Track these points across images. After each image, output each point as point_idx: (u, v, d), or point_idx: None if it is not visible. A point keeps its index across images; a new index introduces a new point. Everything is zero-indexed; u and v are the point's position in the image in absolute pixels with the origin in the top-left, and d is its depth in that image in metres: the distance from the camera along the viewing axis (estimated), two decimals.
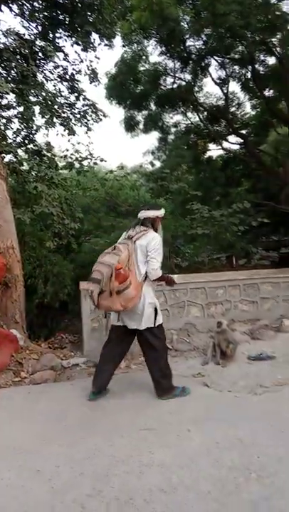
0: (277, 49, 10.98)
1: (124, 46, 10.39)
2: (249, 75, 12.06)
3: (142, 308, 3.44)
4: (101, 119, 6.97)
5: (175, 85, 12.18)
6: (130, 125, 12.81)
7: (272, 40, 10.72)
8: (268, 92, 12.46)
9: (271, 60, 11.73)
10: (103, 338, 4.99)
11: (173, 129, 13.98)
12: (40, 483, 2.39)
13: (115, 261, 3.28)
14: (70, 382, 4.17)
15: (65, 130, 6.62)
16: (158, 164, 14.20)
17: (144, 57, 11.04)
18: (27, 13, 6.56)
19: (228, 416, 3.17)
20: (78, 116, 6.82)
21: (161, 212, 3.65)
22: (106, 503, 2.18)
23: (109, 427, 3.08)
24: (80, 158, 7.12)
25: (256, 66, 11.69)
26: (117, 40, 9.86)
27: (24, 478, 2.45)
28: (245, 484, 2.30)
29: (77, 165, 7.17)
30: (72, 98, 6.90)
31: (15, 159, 6.22)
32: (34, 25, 6.71)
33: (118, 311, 3.43)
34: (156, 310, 3.52)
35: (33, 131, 6.69)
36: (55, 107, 6.37)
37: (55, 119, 6.42)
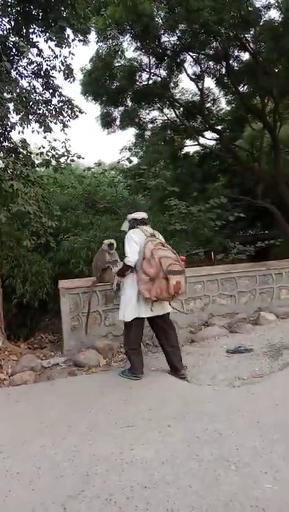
0: (251, 45, 11.11)
1: (98, 42, 10.30)
2: (224, 70, 12.16)
3: None
4: (77, 116, 6.87)
5: (151, 81, 12.18)
6: (107, 121, 12.75)
7: (246, 35, 10.84)
8: (243, 88, 12.59)
9: (245, 56, 11.86)
10: (83, 337, 5.01)
11: (150, 125, 13.98)
12: (21, 485, 2.39)
13: (176, 255, 3.87)
14: (50, 382, 4.15)
15: (40, 127, 6.50)
16: (135, 161, 14.19)
17: (119, 52, 10.97)
18: None
19: (208, 409, 3.22)
20: (54, 112, 6.70)
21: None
22: (87, 503, 2.20)
23: (89, 426, 3.08)
24: (56, 156, 7.00)
25: (230, 62, 11.80)
26: (92, 36, 9.76)
27: (4, 480, 2.43)
28: (224, 476, 2.35)
29: (54, 162, 7.06)
30: (48, 95, 6.77)
31: None
32: (6, 20, 6.56)
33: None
34: None
35: (8, 129, 6.56)
36: (30, 103, 6.25)
37: (30, 116, 6.30)
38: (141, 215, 4.19)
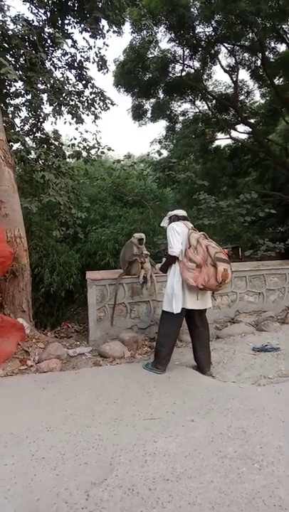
0: (288, 36, 10.79)
1: (133, 33, 10.26)
2: (259, 62, 11.88)
3: None
4: (109, 108, 6.92)
5: (184, 73, 12.04)
6: (138, 113, 12.71)
7: (283, 26, 10.53)
8: (278, 81, 12.27)
9: (282, 48, 11.54)
10: (108, 328, 5.06)
11: (181, 118, 13.85)
12: (45, 470, 2.44)
13: (218, 246, 3.86)
14: (75, 371, 4.21)
15: (72, 118, 6.58)
16: (165, 153, 14.11)
17: (153, 43, 10.89)
18: None
19: (232, 406, 3.19)
20: (86, 104, 6.77)
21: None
22: (109, 491, 2.22)
23: (113, 416, 3.11)
24: (87, 147, 7.07)
25: (266, 53, 11.50)
26: (126, 27, 9.75)
27: (28, 465, 2.49)
28: (247, 474, 2.33)
29: (84, 154, 7.13)
30: (80, 86, 6.85)
31: (22, 148, 6.22)
32: (43, 11, 6.64)
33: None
34: None
35: (41, 120, 6.66)
36: (63, 94, 6.33)
37: (62, 107, 6.38)
38: (182, 212, 4.23)
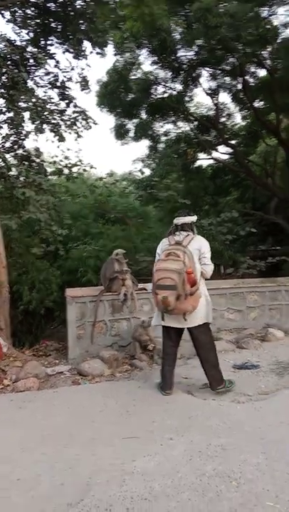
0: (268, 61, 11.17)
1: (116, 55, 10.47)
2: (240, 86, 12.22)
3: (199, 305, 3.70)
4: (91, 127, 7.00)
5: (166, 95, 12.28)
6: (120, 133, 12.86)
7: (263, 52, 10.90)
8: (258, 104, 12.63)
9: (261, 73, 11.92)
10: (88, 346, 5.00)
11: (163, 138, 14.06)
12: (20, 492, 2.36)
13: (181, 266, 3.50)
14: (53, 390, 4.13)
15: (54, 136, 6.63)
16: (147, 172, 14.27)
17: (135, 66, 11.13)
18: (19, 19, 6.60)
19: (212, 424, 3.17)
20: (68, 123, 6.83)
21: (195, 218, 4.00)
22: None
23: (92, 436, 3.06)
24: (69, 165, 7.11)
25: (247, 78, 11.86)
26: (109, 49, 9.95)
27: (3, 487, 2.41)
28: (225, 491, 2.30)
29: (66, 171, 7.17)
30: (63, 105, 6.92)
31: (3, 164, 6.21)
32: (26, 31, 6.74)
33: (188, 312, 3.62)
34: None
35: (22, 137, 6.69)
36: (45, 113, 6.38)
37: (44, 125, 6.43)
38: (180, 220, 3.89)
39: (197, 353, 3.90)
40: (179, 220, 3.89)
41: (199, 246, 3.76)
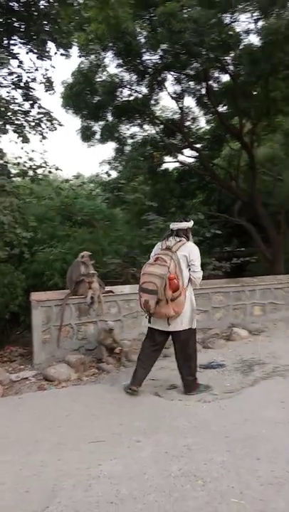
0: (231, 67, 11.41)
1: (80, 56, 10.39)
2: (204, 90, 12.41)
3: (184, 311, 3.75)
4: (56, 128, 6.90)
5: (132, 98, 12.30)
6: (87, 135, 12.76)
7: (226, 58, 11.13)
8: (222, 108, 12.87)
9: (225, 78, 12.15)
10: (54, 351, 4.93)
11: (130, 140, 14.07)
12: None
13: (165, 271, 3.59)
14: (18, 396, 4.04)
15: (18, 137, 6.50)
16: (114, 174, 14.25)
17: (101, 68, 11.09)
18: None
19: (178, 425, 3.20)
20: (32, 124, 6.72)
21: (191, 224, 4.07)
22: None
23: (58, 441, 3.02)
24: (34, 167, 6.99)
25: (210, 82, 12.06)
26: (74, 50, 9.87)
27: None
28: (191, 491, 2.33)
29: (31, 173, 7.04)
30: (27, 106, 6.79)
31: None
32: None
33: (171, 316, 3.67)
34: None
35: None
36: (9, 113, 6.25)
37: (8, 126, 6.29)
38: (176, 225, 3.95)
39: (176, 357, 3.95)
40: (175, 226, 3.95)
41: (188, 252, 3.80)
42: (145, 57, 11.19)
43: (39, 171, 7.08)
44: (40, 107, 6.79)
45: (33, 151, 6.99)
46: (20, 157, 7.04)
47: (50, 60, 6.78)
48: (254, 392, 3.83)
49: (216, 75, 12.13)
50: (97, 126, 12.79)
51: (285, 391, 3.78)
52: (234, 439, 2.90)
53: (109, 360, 4.84)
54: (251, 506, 2.17)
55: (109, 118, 12.63)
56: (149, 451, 2.82)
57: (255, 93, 11.55)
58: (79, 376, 4.50)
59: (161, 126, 13.62)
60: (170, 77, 12.35)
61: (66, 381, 4.37)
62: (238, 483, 2.38)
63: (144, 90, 12.41)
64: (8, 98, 6.44)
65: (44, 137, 6.83)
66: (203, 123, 14.37)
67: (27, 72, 6.82)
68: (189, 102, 28.19)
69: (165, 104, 16.03)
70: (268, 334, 5.84)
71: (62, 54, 7.05)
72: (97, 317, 5.24)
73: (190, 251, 3.82)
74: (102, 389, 4.13)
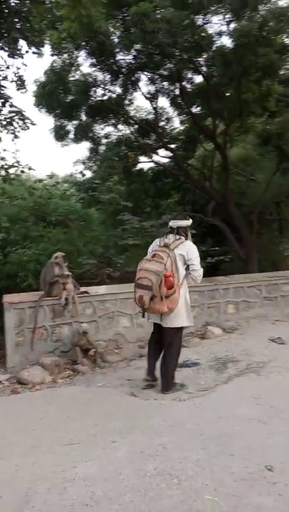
0: (204, 68, 11.53)
1: (53, 55, 10.27)
2: (177, 91, 12.49)
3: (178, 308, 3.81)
4: (28, 127, 6.82)
5: (105, 97, 12.24)
6: (60, 134, 12.61)
7: (199, 59, 11.24)
8: (195, 109, 12.99)
9: (198, 79, 12.25)
10: (28, 353, 4.86)
11: (104, 140, 14.01)
12: None
13: (162, 268, 3.64)
14: None
15: None
16: (89, 174, 14.16)
17: (74, 67, 11.00)
18: None
19: (153, 424, 3.21)
20: (4, 123, 6.61)
21: (190, 222, 4.16)
22: None
23: (32, 444, 2.98)
24: (5, 166, 6.88)
25: (184, 83, 12.15)
26: (47, 49, 9.75)
27: None
28: (166, 490, 2.35)
29: (3, 173, 6.93)
30: None
31: None
32: None
33: (164, 313, 3.74)
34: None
35: None
36: None
37: None
38: (177, 223, 4.04)
39: (163, 354, 4.00)
40: (176, 223, 4.02)
41: (186, 251, 3.84)
42: (119, 56, 11.16)
43: (11, 170, 6.98)
44: (11, 106, 6.69)
45: (4, 150, 6.89)
46: None
47: (22, 58, 6.68)
48: (228, 389, 3.89)
49: (190, 75, 12.21)
50: (70, 126, 12.66)
51: (257, 388, 3.85)
52: (208, 437, 2.94)
53: (84, 361, 4.81)
54: (225, 503, 2.21)
55: (83, 117, 12.53)
56: (125, 451, 2.82)
57: (228, 94, 11.70)
58: (54, 378, 4.46)
59: (136, 126, 13.62)
60: (144, 78, 12.36)
61: (40, 384, 4.32)
62: (212, 481, 2.41)
63: (118, 90, 12.38)
64: None
65: (16, 136, 6.74)
66: (177, 123, 14.45)
67: None
68: (163, 102, 28.31)
69: (139, 104, 16.01)
70: (241, 332, 5.93)
71: (34, 52, 6.96)
72: (72, 318, 5.20)
73: (188, 250, 3.87)
74: (78, 390, 4.10)
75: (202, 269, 3.98)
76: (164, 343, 3.96)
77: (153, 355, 4.06)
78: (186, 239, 4.00)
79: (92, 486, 2.41)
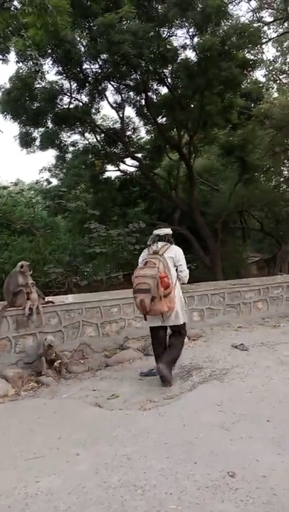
0: (169, 80, 11.76)
1: (18, 62, 10.19)
2: (143, 101, 12.67)
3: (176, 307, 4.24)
4: None
5: (72, 105, 12.26)
6: (26, 141, 12.50)
7: (164, 71, 11.46)
8: (161, 120, 13.21)
9: (163, 90, 12.51)
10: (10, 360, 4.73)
11: (71, 148, 14.00)
12: None
13: (156, 272, 4.02)
14: None
15: None
16: (55, 182, 14.07)
17: (40, 74, 10.94)
18: None
19: (118, 434, 3.20)
20: None
21: (170, 230, 4.61)
22: None
23: None
24: None
25: (150, 94, 12.35)
26: (12, 56, 9.66)
27: None
28: (130, 501, 2.34)
29: None
30: None
31: None
32: None
33: (164, 312, 4.12)
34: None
35: None
36: None
37: None
38: (163, 231, 4.47)
39: (168, 350, 4.35)
40: (162, 231, 4.47)
41: (174, 254, 4.29)
42: (85, 65, 11.24)
43: None
44: None
45: None
46: None
47: None
48: (192, 397, 3.92)
49: (155, 86, 12.47)
50: (36, 133, 12.59)
51: (220, 394, 3.91)
52: (173, 445, 2.96)
53: (49, 372, 4.73)
54: (188, 511, 2.22)
55: (50, 125, 12.50)
56: (89, 463, 2.79)
57: (192, 106, 12.00)
58: (17, 391, 4.35)
59: (103, 135, 13.70)
60: (110, 87, 12.51)
61: (3, 397, 4.20)
62: (175, 489, 2.43)
63: (85, 99, 12.44)
64: None
65: None
66: (143, 133, 14.67)
67: None
68: (130, 112, 28.58)
69: (106, 113, 16.13)
70: (205, 339, 6.01)
71: None
72: (36, 329, 5.11)
73: (176, 253, 4.31)
74: (41, 402, 4.03)
75: (188, 270, 4.41)
76: (172, 336, 4.39)
77: (160, 354, 4.35)
78: (172, 244, 4.40)
79: (56, 501, 2.38)
